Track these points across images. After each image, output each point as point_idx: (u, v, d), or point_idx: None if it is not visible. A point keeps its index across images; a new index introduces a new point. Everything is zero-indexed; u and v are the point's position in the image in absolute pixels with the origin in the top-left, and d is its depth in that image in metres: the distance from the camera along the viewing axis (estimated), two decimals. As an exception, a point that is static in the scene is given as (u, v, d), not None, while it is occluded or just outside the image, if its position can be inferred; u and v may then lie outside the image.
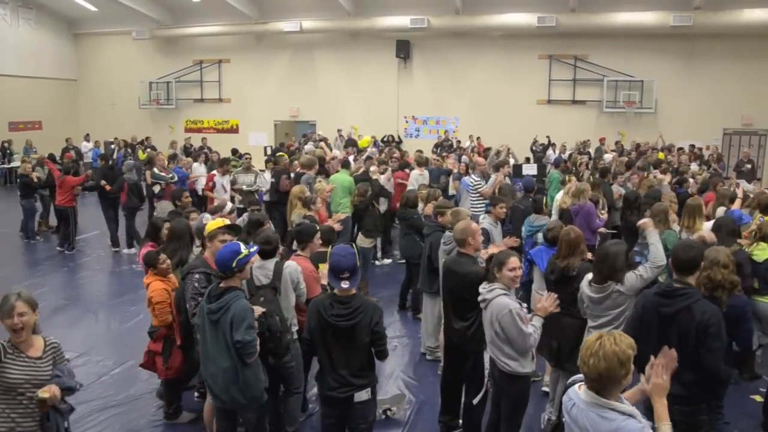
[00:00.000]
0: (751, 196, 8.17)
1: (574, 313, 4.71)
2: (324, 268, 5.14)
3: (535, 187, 9.46)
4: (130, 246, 11.43)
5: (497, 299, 4.16)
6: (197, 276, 4.57)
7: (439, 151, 16.98)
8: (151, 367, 5.34)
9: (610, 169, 10.36)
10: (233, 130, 23.26)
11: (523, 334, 4.06)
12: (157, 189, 11.49)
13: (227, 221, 4.98)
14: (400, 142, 20.24)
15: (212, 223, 4.83)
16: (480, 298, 4.32)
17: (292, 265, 4.88)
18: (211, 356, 4.02)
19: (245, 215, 7.58)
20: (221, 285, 4.01)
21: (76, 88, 24.82)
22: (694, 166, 12.79)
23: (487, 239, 6.41)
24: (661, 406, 2.69)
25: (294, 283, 4.81)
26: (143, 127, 22.50)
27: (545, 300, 4.29)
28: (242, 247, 4.03)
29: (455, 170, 11.64)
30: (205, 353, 4.10)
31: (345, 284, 3.79)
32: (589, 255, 5.35)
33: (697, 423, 3.72)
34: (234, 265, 3.92)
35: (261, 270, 4.80)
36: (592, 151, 16.56)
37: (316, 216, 7.47)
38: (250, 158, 11.90)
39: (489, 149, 15.36)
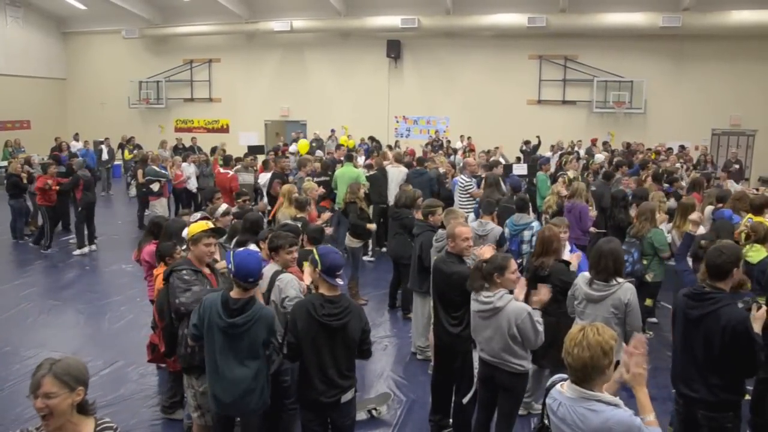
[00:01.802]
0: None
1: (550, 312, 4.72)
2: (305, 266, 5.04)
3: (522, 187, 9.47)
4: (81, 246, 11.28)
5: (511, 305, 4.17)
6: (185, 271, 4.37)
7: (429, 150, 17.01)
8: (161, 360, 5.26)
9: (614, 175, 10.30)
10: (224, 129, 23.19)
11: (538, 333, 4.13)
12: (156, 187, 11.64)
13: (209, 224, 4.72)
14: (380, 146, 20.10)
15: (195, 225, 4.57)
16: (489, 306, 4.23)
17: (285, 278, 4.57)
18: (222, 368, 3.87)
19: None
20: (235, 296, 3.84)
21: (65, 87, 24.66)
22: (678, 167, 12.86)
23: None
24: (643, 396, 2.71)
25: (280, 299, 4.48)
26: (133, 127, 22.37)
27: (541, 293, 4.29)
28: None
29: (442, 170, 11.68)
30: (213, 366, 3.92)
31: (341, 281, 3.84)
32: (571, 257, 5.37)
33: (722, 429, 3.74)
34: (262, 273, 3.90)
35: (265, 274, 4.57)
36: (581, 151, 16.61)
37: (306, 217, 7.47)
38: (252, 158, 11.93)
39: (472, 151, 15.45)
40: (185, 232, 5.01)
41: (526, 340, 4.16)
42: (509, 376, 4.29)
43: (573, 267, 5.20)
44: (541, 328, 4.15)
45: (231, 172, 11.21)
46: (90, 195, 11.26)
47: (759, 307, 3.79)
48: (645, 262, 6.97)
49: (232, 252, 4.03)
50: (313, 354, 3.82)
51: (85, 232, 11.40)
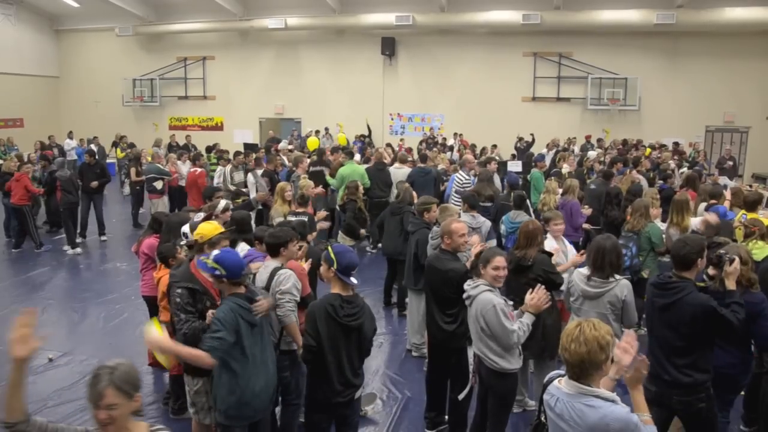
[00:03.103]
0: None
1: None
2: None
3: (520, 185, 9.48)
4: (73, 246, 11.19)
5: (481, 295, 4.18)
6: (179, 291, 4.14)
7: (424, 147, 17.01)
8: (160, 364, 5.26)
9: (613, 173, 10.29)
10: (218, 127, 23.13)
11: (506, 330, 4.07)
12: (159, 185, 11.77)
13: (220, 226, 4.65)
14: (369, 135, 20.11)
15: (209, 227, 4.42)
16: (465, 294, 4.33)
17: (284, 273, 4.50)
18: (257, 368, 3.82)
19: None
20: (243, 290, 3.83)
21: (58, 85, 24.54)
22: (671, 164, 12.88)
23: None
24: (638, 395, 2.75)
25: (274, 291, 4.41)
26: (127, 125, 22.33)
27: (535, 296, 4.17)
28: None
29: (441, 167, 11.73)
30: (251, 369, 3.80)
31: (355, 281, 3.79)
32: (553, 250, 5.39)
33: (698, 411, 3.85)
34: (246, 270, 3.84)
35: (263, 271, 4.61)
36: (576, 148, 16.64)
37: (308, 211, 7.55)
38: (244, 156, 11.95)
39: (474, 145, 15.48)
40: (186, 228, 5.00)
41: (496, 336, 4.12)
42: (488, 372, 4.29)
43: (554, 259, 5.21)
44: (512, 326, 4.06)
45: (199, 170, 11.41)
46: (71, 196, 11.09)
47: (732, 261, 3.91)
48: (640, 257, 7.00)
49: (207, 258, 3.82)
50: (334, 357, 3.75)
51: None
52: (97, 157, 12.93)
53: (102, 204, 12.27)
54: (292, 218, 7.17)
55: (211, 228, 4.38)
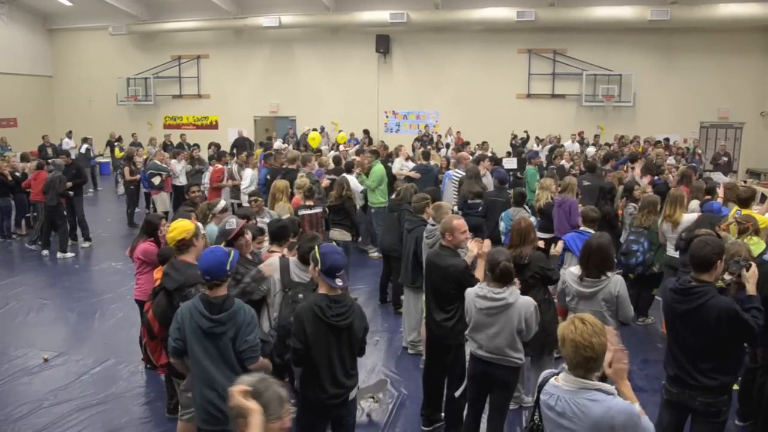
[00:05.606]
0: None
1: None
2: None
3: (509, 180, 9.46)
4: (43, 247, 11.12)
5: (522, 299, 4.22)
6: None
7: (419, 145, 16.99)
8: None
9: (596, 166, 10.29)
10: (212, 126, 23.08)
11: (537, 326, 4.26)
12: (157, 181, 11.85)
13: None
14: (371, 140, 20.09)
15: (188, 223, 4.59)
16: (498, 303, 4.17)
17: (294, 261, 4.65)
18: (208, 377, 3.59)
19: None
20: (212, 294, 3.59)
21: (52, 84, 24.43)
22: (671, 160, 12.92)
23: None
24: (626, 389, 2.73)
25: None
26: (121, 124, 22.21)
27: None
28: (225, 248, 3.84)
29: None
30: (199, 375, 3.65)
31: (340, 282, 3.67)
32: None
33: (719, 412, 3.85)
34: (228, 267, 3.63)
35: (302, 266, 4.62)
36: (575, 145, 16.66)
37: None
38: (246, 154, 11.98)
39: (467, 143, 15.47)
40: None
41: (528, 333, 4.22)
42: (507, 371, 4.31)
43: (554, 252, 5.25)
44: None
45: (219, 166, 11.48)
46: (47, 197, 10.79)
47: (749, 267, 3.88)
48: (652, 251, 7.05)
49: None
50: (323, 357, 3.67)
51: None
52: (72, 156, 12.93)
53: (82, 206, 11.77)
54: (307, 212, 7.58)
55: (189, 223, 4.64)
